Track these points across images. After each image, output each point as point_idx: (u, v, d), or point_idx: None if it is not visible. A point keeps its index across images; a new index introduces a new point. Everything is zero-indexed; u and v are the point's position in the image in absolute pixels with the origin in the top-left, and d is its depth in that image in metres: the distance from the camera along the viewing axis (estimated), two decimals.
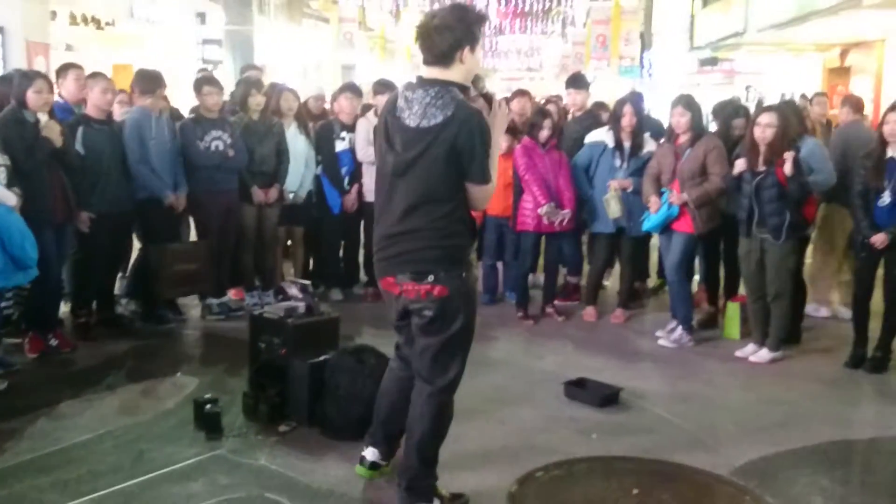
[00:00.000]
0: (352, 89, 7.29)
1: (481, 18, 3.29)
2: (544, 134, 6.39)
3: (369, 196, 6.91)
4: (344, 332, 4.95)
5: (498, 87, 35.51)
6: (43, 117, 5.28)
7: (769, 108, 5.78)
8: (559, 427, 4.51)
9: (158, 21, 16.82)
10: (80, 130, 5.67)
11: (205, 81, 6.51)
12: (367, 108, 7.44)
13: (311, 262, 7.58)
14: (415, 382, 3.49)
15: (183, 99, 8.69)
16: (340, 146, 6.93)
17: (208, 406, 4.31)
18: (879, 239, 5.28)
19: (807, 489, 3.86)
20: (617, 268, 7.11)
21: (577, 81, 7.51)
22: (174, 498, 3.65)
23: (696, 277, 6.72)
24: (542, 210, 6.28)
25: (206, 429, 4.26)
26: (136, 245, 6.72)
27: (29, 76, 5.43)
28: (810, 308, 6.55)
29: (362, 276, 7.40)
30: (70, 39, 13.48)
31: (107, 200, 5.77)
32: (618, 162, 6.38)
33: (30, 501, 3.61)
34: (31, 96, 5.24)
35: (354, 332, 5.89)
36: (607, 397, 4.83)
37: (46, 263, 5.14)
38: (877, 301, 5.55)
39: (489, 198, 3.39)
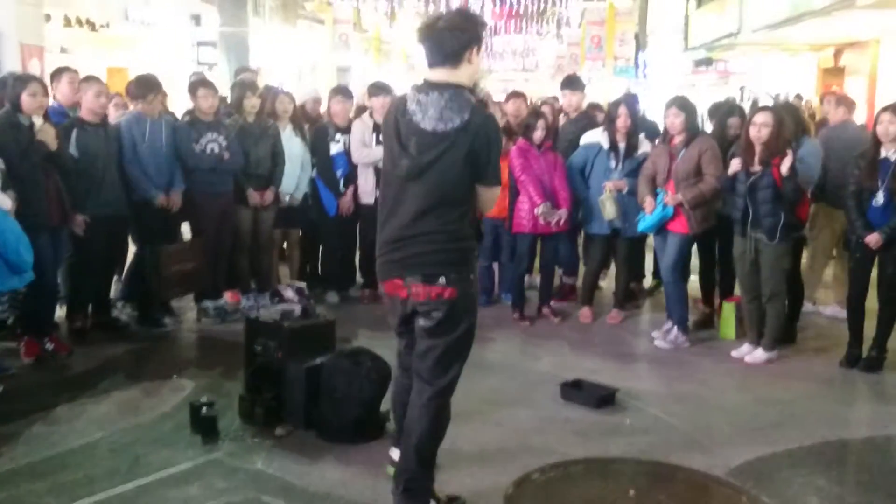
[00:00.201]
0: (342, 92, 7.29)
1: (484, 22, 3.39)
2: (538, 135, 6.40)
3: (365, 198, 6.93)
4: (340, 334, 4.94)
5: (493, 87, 35.49)
6: (38, 120, 5.28)
7: (765, 108, 5.80)
8: (555, 428, 4.51)
9: (153, 23, 16.80)
10: (73, 133, 5.66)
11: (200, 84, 6.51)
12: (361, 109, 7.44)
13: (308, 264, 7.58)
14: (414, 384, 3.50)
15: (178, 101, 8.68)
16: (335, 149, 6.93)
17: (204, 409, 4.30)
18: (874, 239, 5.29)
19: (803, 489, 3.87)
20: (613, 269, 7.12)
21: (571, 83, 7.52)
22: (171, 502, 3.64)
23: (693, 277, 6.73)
24: (538, 210, 6.29)
25: (203, 432, 4.26)
26: (133, 248, 6.71)
27: (23, 79, 5.42)
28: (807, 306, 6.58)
29: (359, 279, 7.39)
30: (64, 42, 13.46)
31: (101, 203, 5.76)
32: (613, 163, 6.39)
33: None
34: (26, 99, 5.23)
35: (351, 334, 5.89)
36: (603, 398, 4.84)
37: (42, 267, 5.14)
38: (871, 300, 5.56)
39: (496, 199, 3.47)
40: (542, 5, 31.20)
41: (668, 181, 5.91)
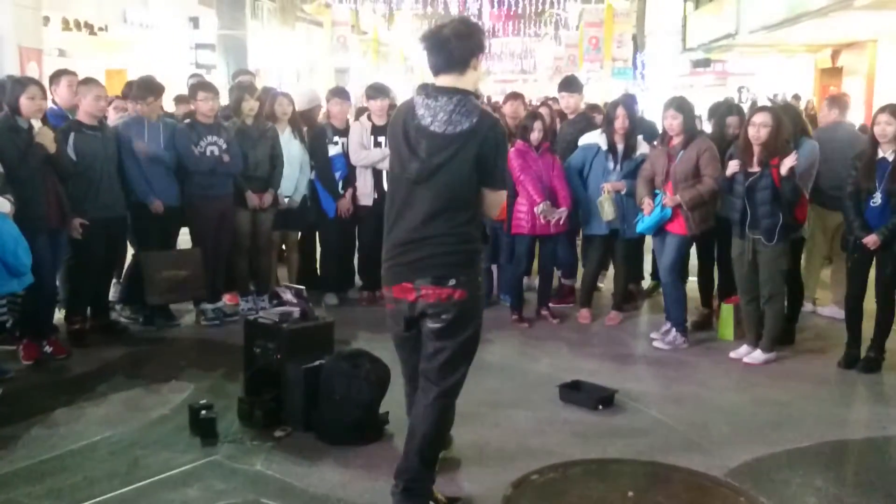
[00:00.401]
0: (340, 94, 7.29)
1: (484, 30, 3.54)
2: (535, 136, 6.40)
3: (363, 200, 6.94)
4: (339, 336, 4.95)
5: (491, 89, 35.58)
6: (36, 124, 5.28)
7: (763, 108, 5.80)
8: (554, 430, 4.51)
9: (151, 26, 16.82)
10: (71, 136, 5.67)
11: (200, 87, 6.50)
12: (361, 111, 7.44)
13: (307, 266, 7.58)
14: (420, 384, 3.52)
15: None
16: (333, 150, 6.93)
17: (203, 412, 4.31)
18: (871, 240, 5.30)
19: (801, 490, 3.87)
20: (611, 270, 7.12)
21: (569, 85, 7.51)
22: None
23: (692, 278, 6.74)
24: (538, 209, 6.29)
25: (202, 434, 4.26)
26: (131, 251, 6.71)
27: (22, 82, 5.42)
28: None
29: (357, 281, 7.39)
30: (63, 45, 13.47)
31: (100, 206, 5.77)
32: (611, 164, 6.40)
33: None
34: (25, 103, 5.23)
35: (350, 336, 5.90)
36: (602, 399, 4.84)
37: (41, 270, 5.14)
38: (870, 301, 5.56)
39: (502, 204, 3.54)
40: (540, 7, 31.23)
41: (666, 182, 5.92)
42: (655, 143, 6.36)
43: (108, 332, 6.12)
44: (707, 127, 7.07)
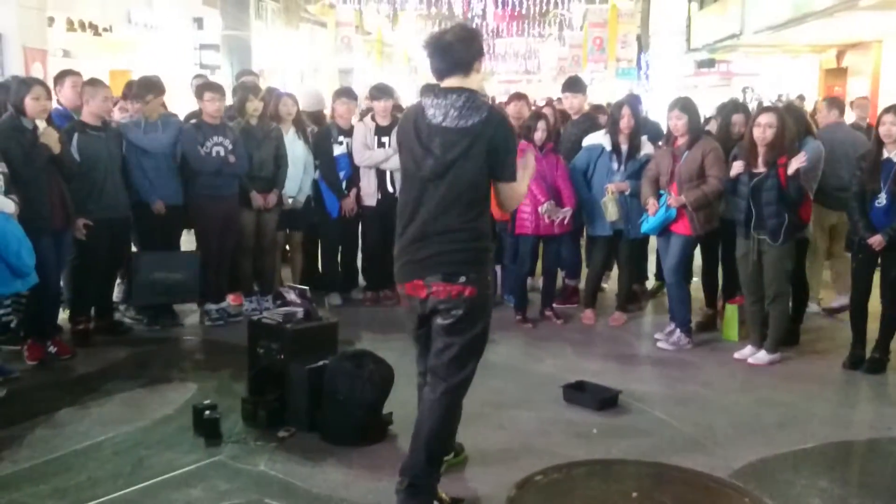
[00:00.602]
0: (347, 94, 7.30)
1: (483, 35, 3.58)
2: (539, 136, 6.39)
3: (367, 200, 6.94)
4: (343, 336, 4.95)
5: (495, 89, 35.56)
6: (41, 124, 5.28)
7: (769, 109, 5.79)
8: (558, 430, 4.51)
9: (156, 26, 16.82)
10: (75, 137, 5.67)
11: (207, 87, 6.51)
12: (367, 112, 7.44)
13: (311, 267, 7.58)
14: (428, 380, 3.55)
15: (180, 104, 8.70)
16: (338, 150, 6.94)
17: (207, 412, 4.31)
18: (877, 241, 5.28)
19: (805, 491, 3.87)
20: (615, 271, 7.11)
21: (573, 85, 7.50)
22: None
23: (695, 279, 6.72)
24: (542, 208, 6.29)
25: (206, 435, 4.27)
26: (135, 251, 6.72)
27: (27, 83, 5.43)
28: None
29: (361, 281, 7.39)
30: (67, 45, 13.48)
31: (104, 206, 5.78)
32: (615, 165, 6.39)
33: None
34: (29, 103, 5.24)
35: (353, 336, 5.90)
36: (606, 400, 4.83)
37: (45, 270, 5.14)
38: (874, 302, 5.55)
39: (520, 198, 3.63)
40: (545, 7, 31.22)
41: (671, 183, 5.91)
42: (660, 143, 6.35)
43: (112, 332, 6.13)
44: (711, 127, 7.05)
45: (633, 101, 6.77)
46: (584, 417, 4.68)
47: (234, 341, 5.65)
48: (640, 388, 5.14)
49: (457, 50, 3.39)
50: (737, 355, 5.77)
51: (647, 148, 6.44)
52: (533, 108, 8.06)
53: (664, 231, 6.01)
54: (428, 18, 37.02)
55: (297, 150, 6.83)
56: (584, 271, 7.18)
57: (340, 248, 7.27)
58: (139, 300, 6.27)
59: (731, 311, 6.20)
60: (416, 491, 3.47)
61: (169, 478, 3.87)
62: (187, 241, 6.92)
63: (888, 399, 5.22)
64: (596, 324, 6.65)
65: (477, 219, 3.42)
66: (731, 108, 6.76)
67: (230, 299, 6.75)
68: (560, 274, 7.15)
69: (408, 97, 19.14)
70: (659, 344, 6.07)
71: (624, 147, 6.38)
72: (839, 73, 16.79)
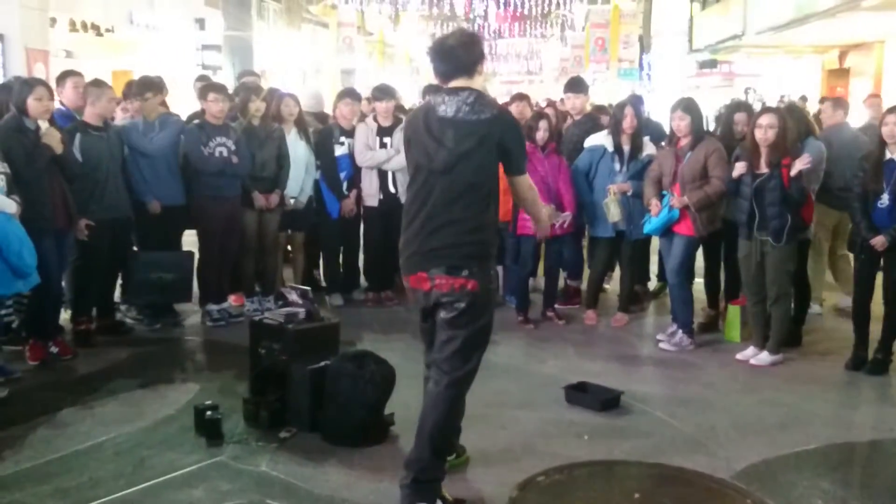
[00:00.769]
0: (351, 95, 7.30)
1: (483, 40, 3.86)
2: (540, 135, 6.39)
3: (368, 201, 6.94)
4: (344, 337, 4.95)
5: (497, 90, 35.58)
6: (43, 125, 5.29)
7: (769, 110, 5.79)
8: (560, 431, 4.51)
9: (158, 27, 16.85)
10: (77, 137, 5.68)
11: (211, 88, 6.50)
12: (363, 116, 7.44)
13: (312, 267, 7.59)
14: (432, 374, 3.59)
15: (182, 104, 8.70)
16: (339, 151, 6.94)
17: (209, 412, 4.31)
18: (879, 241, 5.27)
19: (808, 492, 3.86)
20: (617, 271, 7.11)
21: (575, 86, 7.50)
22: None
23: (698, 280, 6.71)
24: None
25: (207, 435, 4.26)
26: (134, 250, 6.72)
27: (29, 83, 5.44)
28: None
29: (362, 282, 7.39)
30: (70, 46, 13.51)
31: (105, 207, 5.78)
32: (617, 166, 6.39)
33: None
34: (32, 104, 5.24)
35: (355, 337, 5.89)
36: (608, 401, 4.83)
37: (47, 271, 5.14)
38: (877, 303, 5.54)
39: (533, 190, 3.77)
40: (547, 7, 31.21)
41: (674, 183, 5.90)
42: (663, 143, 6.35)
43: (113, 332, 6.13)
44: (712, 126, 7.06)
45: (635, 101, 6.77)
46: (586, 418, 4.68)
47: (235, 342, 5.65)
48: (642, 389, 5.13)
49: (459, 53, 3.51)
50: (739, 356, 5.76)
51: (649, 149, 6.44)
52: (535, 108, 8.06)
53: (667, 232, 6.00)
54: (430, 19, 37.02)
55: (298, 151, 6.83)
56: (586, 272, 7.17)
57: (342, 248, 7.27)
58: (133, 298, 6.28)
59: (734, 312, 6.19)
60: (420, 485, 3.49)
61: (170, 478, 3.87)
62: (191, 242, 6.91)
63: (890, 400, 5.22)
64: (598, 325, 6.64)
65: (483, 212, 3.49)
66: (734, 107, 6.76)
67: (232, 300, 6.75)
68: (562, 275, 7.15)
69: (409, 98, 19.16)
70: (661, 345, 6.07)
71: (626, 148, 6.37)
72: (841, 73, 16.78)
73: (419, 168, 3.56)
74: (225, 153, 6.26)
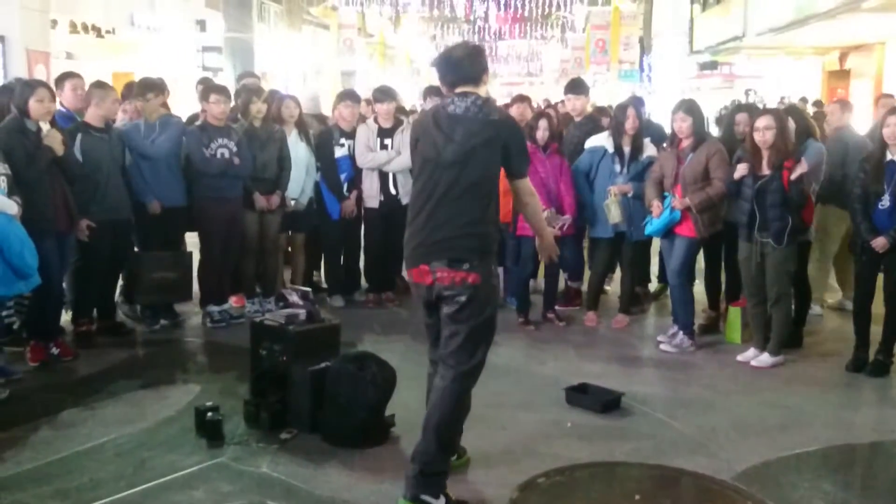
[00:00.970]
0: (351, 97, 7.31)
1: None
2: (541, 134, 6.39)
3: (369, 202, 6.94)
4: (345, 338, 4.95)
5: (498, 91, 35.57)
6: (45, 126, 5.29)
7: (766, 111, 5.78)
8: (561, 433, 4.50)
9: (158, 29, 16.86)
10: (78, 138, 5.68)
11: (213, 90, 6.50)
12: (362, 118, 7.44)
13: (313, 268, 7.59)
14: (439, 370, 3.64)
15: (183, 106, 8.72)
16: (340, 152, 6.94)
17: (210, 414, 4.31)
18: (880, 243, 5.27)
19: (809, 493, 3.86)
20: (618, 273, 7.11)
21: (576, 87, 7.50)
22: None
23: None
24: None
25: (208, 436, 4.27)
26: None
27: (31, 85, 5.44)
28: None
29: (363, 283, 7.39)
30: (70, 48, 13.51)
31: (106, 208, 5.78)
32: (617, 167, 6.38)
33: None
34: (34, 105, 5.24)
35: (356, 338, 5.89)
36: (609, 403, 4.82)
37: (48, 272, 5.14)
38: (878, 304, 5.54)
39: (534, 196, 3.85)
40: (547, 9, 31.23)
41: (675, 185, 5.90)
42: (664, 145, 6.35)
43: (114, 333, 6.13)
44: (713, 128, 7.06)
45: (636, 103, 6.77)
46: (587, 420, 4.67)
47: (236, 343, 5.65)
48: (643, 391, 5.13)
49: (466, 64, 3.67)
50: (740, 358, 5.76)
51: (649, 150, 6.44)
52: (535, 110, 8.05)
53: (668, 233, 6.00)
54: (430, 21, 37.05)
55: (299, 152, 6.83)
56: (587, 273, 7.17)
57: (342, 250, 7.27)
58: (141, 299, 6.30)
59: (734, 314, 6.19)
60: (426, 479, 3.52)
61: (171, 479, 3.87)
62: (192, 244, 6.91)
63: (891, 402, 5.21)
64: (598, 326, 6.64)
65: (486, 207, 3.58)
66: (735, 108, 6.76)
67: (232, 301, 6.75)
68: (562, 276, 7.15)
69: (410, 99, 19.18)
70: (662, 346, 6.06)
71: (626, 149, 6.37)
72: (842, 75, 16.78)
73: (426, 162, 3.65)
74: (227, 154, 6.26)
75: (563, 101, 8.46)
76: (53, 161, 5.30)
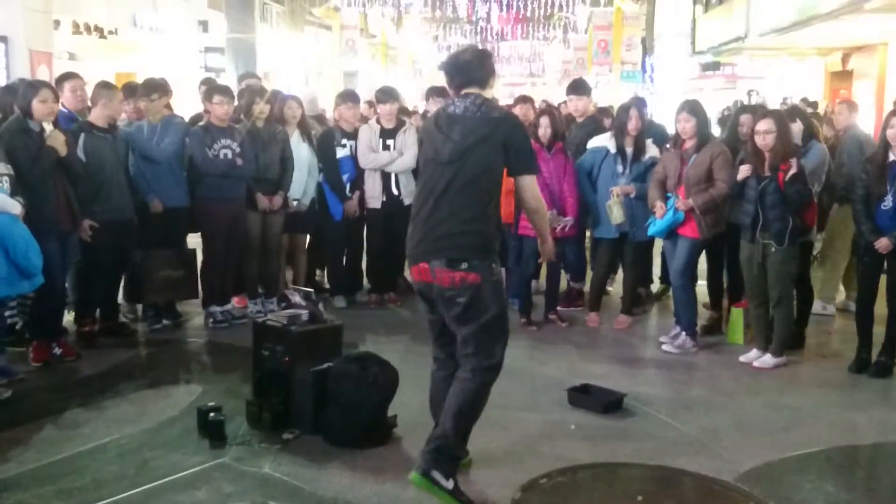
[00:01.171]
0: (351, 98, 7.32)
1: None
2: (542, 132, 6.38)
3: (372, 203, 6.95)
4: (347, 339, 4.95)
5: (500, 92, 35.58)
6: (48, 126, 5.30)
7: (766, 115, 5.77)
8: (563, 433, 4.50)
9: (161, 29, 16.89)
10: (81, 137, 5.69)
11: (216, 91, 6.50)
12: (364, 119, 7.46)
13: (315, 269, 7.59)
14: (459, 371, 3.67)
15: (186, 106, 8.71)
16: (342, 153, 6.95)
17: (212, 414, 4.31)
18: (883, 244, 5.27)
19: (811, 494, 3.85)
20: (620, 273, 7.10)
21: (578, 88, 7.50)
22: None
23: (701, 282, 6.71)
24: None
25: (210, 437, 4.27)
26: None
27: (34, 86, 5.45)
28: (818, 306, 6.54)
29: (365, 284, 7.40)
30: (73, 48, 13.55)
31: (109, 208, 5.79)
32: (620, 168, 6.38)
33: None
34: (37, 106, 5.25)
35: (358, 339, 5.90)
36: (611, 403, 4.82)
37: (51, 272, 5.15)
38: (881, 305, 5.54)
39: (537, 194, 3.77)
40: (549, 10, 31.24)
41: (678, 186, 5.90)
42: (668, 146, 6.34)
43: (117, 334, 6.14)
44: (714, 129, 7.06)
45: (639, 103, 6.77)
46: (589, 420, 4.67)
47: (238, 343, 5.66)
48: (645, 392, 5.13)
49: (474, 67, 3.74)
50: (742, 358, 5.76)
51: (651, 151, 6.43)
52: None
53: (671, 234, 6.00)
54: (432, 21, 37.06)
55: (301, 153, 6.84)
56: (589, 274, 7.17)
57: (345, 250, 7.27)
58: (149, 298, 6.33)
59: (737, 315, 6.19)
60: (440, 457, 3.54)
61: (173, 479, 3.87)
62: (194, 244, 6.92)
63: (894, 403, 5.20)
64: (600, 327, 6.64)
65: (487, 204, 3.61)
66: (739, 109, 6.76)
67: (235, 301, 6.76)
68: (564, 276, 7.14)
69: (412, 100, 19.18)
70: (664, 347, 6.06)
71: (629, 150, 6.37)
72: (845, 75, 16.76)
73: (428, 161, 3.73)
74: (229, 155, 6.26)
75: (565, 102, 8.46)
76: (56, 161, 5.31)
